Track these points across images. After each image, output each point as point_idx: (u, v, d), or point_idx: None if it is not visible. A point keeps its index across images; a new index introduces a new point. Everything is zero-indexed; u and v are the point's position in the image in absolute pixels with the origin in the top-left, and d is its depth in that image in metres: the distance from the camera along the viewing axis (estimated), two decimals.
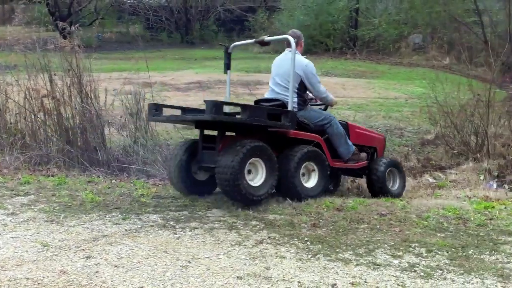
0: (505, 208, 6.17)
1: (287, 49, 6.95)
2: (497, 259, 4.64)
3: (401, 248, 4.86)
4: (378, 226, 5.42)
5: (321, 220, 5.58)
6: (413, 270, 4.40)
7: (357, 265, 4.51)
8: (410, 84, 17.45)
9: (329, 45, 25.39)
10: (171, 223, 5.51)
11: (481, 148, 9.86)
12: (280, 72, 6.90)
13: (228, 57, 7.58)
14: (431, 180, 8.23)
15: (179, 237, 5.11)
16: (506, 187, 7.77)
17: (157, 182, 7.58)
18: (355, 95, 15.14)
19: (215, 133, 6.21)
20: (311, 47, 25.32)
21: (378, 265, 4.50)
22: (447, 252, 4.76)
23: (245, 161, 5.67)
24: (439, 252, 4.76)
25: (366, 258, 4.64)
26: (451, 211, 5.94)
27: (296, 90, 6.67)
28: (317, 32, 25.31)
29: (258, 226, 5.41)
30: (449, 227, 5.44)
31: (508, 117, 11.38)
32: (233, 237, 5.12)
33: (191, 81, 16.38)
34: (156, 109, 6.21)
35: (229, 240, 5.04)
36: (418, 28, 25.65)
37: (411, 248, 4.85)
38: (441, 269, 4.42)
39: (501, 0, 25.51)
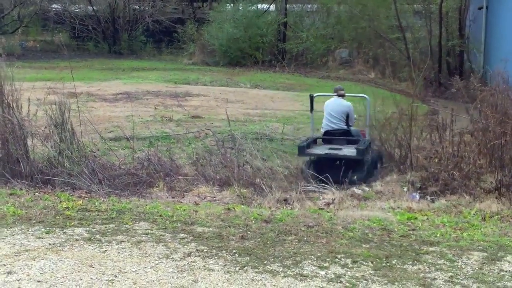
0: (427, 219, 6.36)
1: (337, 96, 10.54)
2: (419, 268, 4.78)
3: (328, 259, 4.92)
4: (305, 238, 5.47)
5: (249, 232, 5.60)
6: (339, 281, 4.47)
7: (284, 276, 4.54)
8: None
9: (258, 58, 25.62)
10: (97, 236, 5.39)
11: (404, 160, 10.13)
12: (335, 110, 10.34)
13: (311, 101, 10.71)
14: (358, 191, 8.38)
15: (105, 250, 5.02)
16: (428, 198, 8.00)
17: (83, 194, 7.39)
18: (283, 107, 15.31)
19: None
20: (240, 60, 25.51)
21: (305, 276, 4.55)
22: (372, 263, 4.86)
23: None
24: (364, 263, 4.86)
25: (293, 269, 4.68)
26: (376, 222, 6.07)
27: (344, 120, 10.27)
28: (246, 45, 25.51)
29: (186, 239, 5.37)
30: (374, 238, 5.56)
31: (429, 130, 11.74)
32: (160, 250, 5.06)
33: (119, 91, 16.15)
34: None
35: (156, 253, 4.98)
36: (345, 43, 26.22)
37: (337, 259, 4.93)
38: (366, 280, 4.51)
39: (422, 17, 26.46)
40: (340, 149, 9.51)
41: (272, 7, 28.74)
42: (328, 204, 7.44)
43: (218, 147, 10.47)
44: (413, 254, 5.13)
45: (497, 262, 4.98)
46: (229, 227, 5.74)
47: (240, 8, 27.27)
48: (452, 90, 11.83)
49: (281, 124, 12.81)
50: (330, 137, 10.15)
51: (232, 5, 28.17)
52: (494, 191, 7.78)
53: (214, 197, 7.85)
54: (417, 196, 8.04)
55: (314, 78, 23.05)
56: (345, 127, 10.11)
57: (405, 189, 8.44)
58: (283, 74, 23.63)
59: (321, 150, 9.66)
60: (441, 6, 22.56)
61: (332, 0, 26.79)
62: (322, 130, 10.43)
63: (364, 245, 5.34)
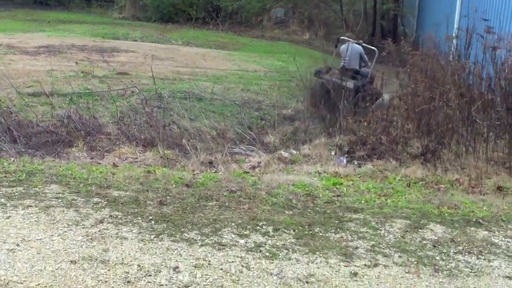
0: (352, 184, 6.25)
1: (352, 42, 12.35)
2: (342, 237, 4.64)
3: (248, 227, 4.72)
4: (227, 204, 5.25)
5: (168, 197, 5.33)
6: (258, 251, 4.29)
7: (201, 245, 4.32)
8: (270, 57, 17.53)
9: (192, 15, 24.88)
10: (2, 200, 5.00)
11: (334, 123, 10.03)
12: (350, 52, 12.04)
13: (337, 42, 13.11)
14: (285, 154, 8.20)
15: (10, 216, 4.65)
16: (355, 162, 7.90)
17: None
18: (214, 66, 14.93)
19: None
20: (173, 16, 24.74)
21: (223, 245, 4.34)
22: (294, 231, 4.70)
23: None
24: (286, 231, 4.69)
25: (212, 238, 4.47)
26: (301, 187, 5.91)
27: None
28: (180, 1, 24.71)
29: (100, 204, 5.05)
30: (297, 204, 5.39)
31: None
32: (71, 216, 4.73)
33: (42, 44, 15.31)
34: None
35: (66, 219, 4.65)
36: (280, 2, 25.80)
37: (258, 227, 4.73)
38: (286, 249, 4.34)
39: None
40: (344, 80, 11.12)
41: None
42: (253, 168, 7.23)
43: (144, 106, 10.08)
44: (336, 221, 5.00)
45: (420, 230, 4.91)
46: (147, 191, 5.45)
47: None
48: (383, 53, 11.86)
49: (211, 83, 12.46)
50: (343, 70, 11.94)
51: None
52: (420, 157, 7.76)
53: (136, 158, 7.50)
54: (344, 160, 7.93)
55: (248, 37, 22.65)
56: (357, 67, 12.16)
57: (333, 153, 8.32)
58: (216, 32, 23.10)
59: (329, 77, 11.37)
60: None
61: None
62: (343, 64, 12.26)
63: (287, 212, 5.17)
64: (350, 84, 11.17)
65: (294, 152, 8.40)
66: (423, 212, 5.35)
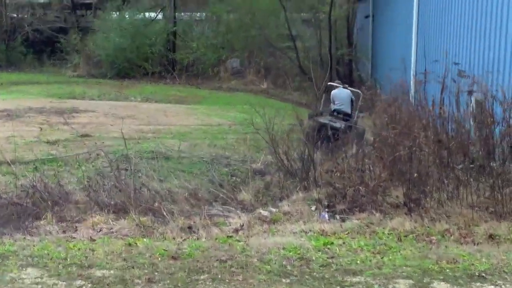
0: (343, 243, 6.01)
1: (342, 87, 14.06)
2: None
3: None
4: (219, 276, 4.94)
5: (156, 273, 4.98)
6: None
7: None
8: (232, 109, 17.40)
9: (148, 69, 24.71)
10: None
11: (307, 176, 9.84)
12: (341, 97, 13.53)
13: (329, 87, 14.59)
14: (264, 213, 7.95)
15: None
16: (338, 217, 7.70)
17: None
18: (177, 122, 14.69)
19: None
20: (129, 71, 24.56)
21: None
22: None
23: None
24: None
25: None
26: (292, 250, 5.64)
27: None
28: (134, 55, 24.56)
29: (84, 287, 4.67)
30: (293, 270, 5.11)
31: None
32: None
33: None
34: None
35: None
36: (236, 52, 25.91)
37: None
38: None
39: (311, 26, 26.71)
40: (335, 122, 12.50)
41: (160, 16, 27.92)
42: (236, 231, 6.94)
43: (112, 169, 9.73)
44: (338, 287, 4.74)
45: None
46: (133, 267, 5.10)
47: (127, 16, 26.24)
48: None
49: (177, 141, 12.20)
50: (335, 114, 13.19)
51: (117, 13, 27.02)
52: (403, 207, 7.61)
53: (111, 229, 7.13)
54: (326, 216, 7.72)
55: (206, 90, 22.57)
56: (349, 111, 13.34)
57: (313, 208, 8.10)
58: (174, 85, 22.96)
59: (323, 120, 12.70)
60: (330, 15, 22.82)
61: (221, 9, 26.46)
62: (332, 108, 13.40)
63: (284, 280, 4.89)
64: (341, 124, 12.48)
65: (274, 210, 8.14)
66: (423, 269, 5.14)
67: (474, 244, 6.03)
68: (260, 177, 10.92)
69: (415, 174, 7.88)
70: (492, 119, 7.14)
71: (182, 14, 27.90)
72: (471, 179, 7.74)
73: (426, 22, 15.30)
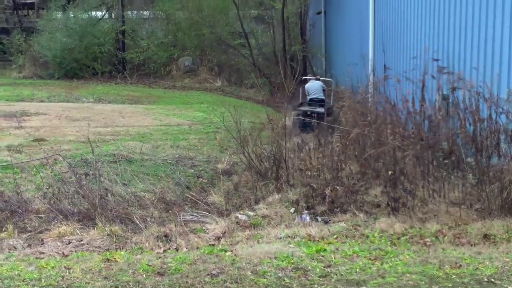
0: (337, 249, 5.66)
1: (314, 79, 16.40)
2: None
3: None
4: None
5: None
6: None
7: None
8: (189, 109, 16.91)
9: (97, 69, 23.88)
10: None
11: (276, 175, 9.50)
12: (315, 87, 15.63)
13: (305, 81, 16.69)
14: (242, 217, 7.54)
15: None
16: (319, 219, 7.36)
17: None
18: (135, 123, 14.10)
19: None
20: (78, 71, 23.67)
21: None
22: None
23: None
24: None
25: None
26: (285, 260, 5.26)
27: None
28: (83, 55, 23.67)
29: None
30: (292, 283, 4.74)
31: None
32: None
33: None
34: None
35: None
36: (187, 51, 25.34)
37: None
38: None
39: (261, 23, 26.39)
40: (315, 108, 14.78)
41: (107, 15, 27.05)
42: (218, 238, 6.51)
43: (72, 175, 9.16)
44: None
45: None
46: (117, 287, 4.62)
47: (72, 15, 25.32)
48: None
49: (138, 143, 11.66)
50: (312, 102, 15.40)
51: (61, 13, 26.03)
52: (386, 206, 7.34)
53: (81, 240, 6.61)
54: (308, 218, 7.37)
55: (160, 89, 21.97)
56: (323, 97, 15.53)
57: (292, 210, 7.74)
58: (126, 85, 22.24)
59: (306, 108, 15.01)
60: (283, 12, 22.53)
61: (171, 7, 25.85)
62: (309, 98, 15.56)
63: None
64: (321, 109, 14.50)
65: (251, 213, 7.74)
66: (428, 276, 4.84)
67: (471, 245, 5.79)
68: (227, 177, 10.54)
69: (391, 172, 7.62)
70: (478, 117, 6.91)
71: (129, 12, 27.11)
72: (451, 175, 7.53)
73: (384, 15, 15.18)
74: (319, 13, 23.98)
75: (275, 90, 20.68)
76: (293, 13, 23.82)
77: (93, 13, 26.41)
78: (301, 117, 14.34)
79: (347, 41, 19.87)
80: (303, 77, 17.87)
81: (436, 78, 9.10)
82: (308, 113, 14.55)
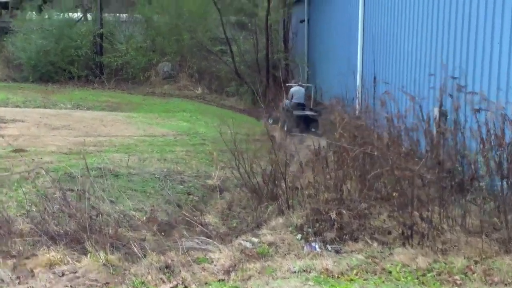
0: None
1: (298, 85, 18.03)
2: None
3: None
4: None
5: None
6: None
7: None
8: (172, 117, 16.33)
9: (74, 73, 23.16)
10: None
11: (271, 195, 8.98)
12: (300, 92, 17.29)
13: (290, 87, 18.06)
14: (246, 244, 7.01)
15: None
16: (330, 248, 6.86)
17: None
18: (118, 132, 13.48)
19: None
20: (53, 75, 22.93)
21: None
22: None
23: None
24: None
25: None
26: None
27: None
28: (59, 58, 22.97)
29: None
30: None
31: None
32: None
33: None
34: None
35: None
36: (167, 56, 24.73)
37: None
38: None
39: (243, 30, 25.89)
40: (305, 111, 16.50)
41: (84, 17, 26.29)
42: (227, 272, 5.96)
43: (57, 190, 8.54)
44: None
45: None
46: None
47: (47, 17, 24.54)
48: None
49: (123, 155, 11.06)
50: (299, 106, 16.82)
51: (37, 13, 25.21)
52: (401, 236, 6.87)
53: (75, 272, 5.99)
54: (317, 247, 6.85)
55: (139, 95, 21.33)
56: (303, 102, 17.12)
57: (299, 237, 7.22)
58: (104, 91, 21.56)
59: (298, 112, 16.31)
60: (267, 19, 22.11)
61: (150, 11, 25.24)
62: (295, 101, 16.93)
63: None
64: (312, 113, 16.32)
65: (255, 240, 7.17)
66: None
67: (505, 285, 5.36)
68: (219, 194, 10.00)
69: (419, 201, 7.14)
70: (503, 141, 6.49)
71: (106, 15, 26.39)
72: (471, 203, 7.11)
73: (373, 25, 14.82)
74: (302, 21, 23.61)
75: (257, 99, 20.23)
76: (276, 21, 23.43)
77: (70, 14, 25.66)
78: (293, 117, 15.87)
79: (331, 50, 19.52)
80: (287, 84, 19.09)
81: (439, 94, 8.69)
82: (299, 116, 16.02)
